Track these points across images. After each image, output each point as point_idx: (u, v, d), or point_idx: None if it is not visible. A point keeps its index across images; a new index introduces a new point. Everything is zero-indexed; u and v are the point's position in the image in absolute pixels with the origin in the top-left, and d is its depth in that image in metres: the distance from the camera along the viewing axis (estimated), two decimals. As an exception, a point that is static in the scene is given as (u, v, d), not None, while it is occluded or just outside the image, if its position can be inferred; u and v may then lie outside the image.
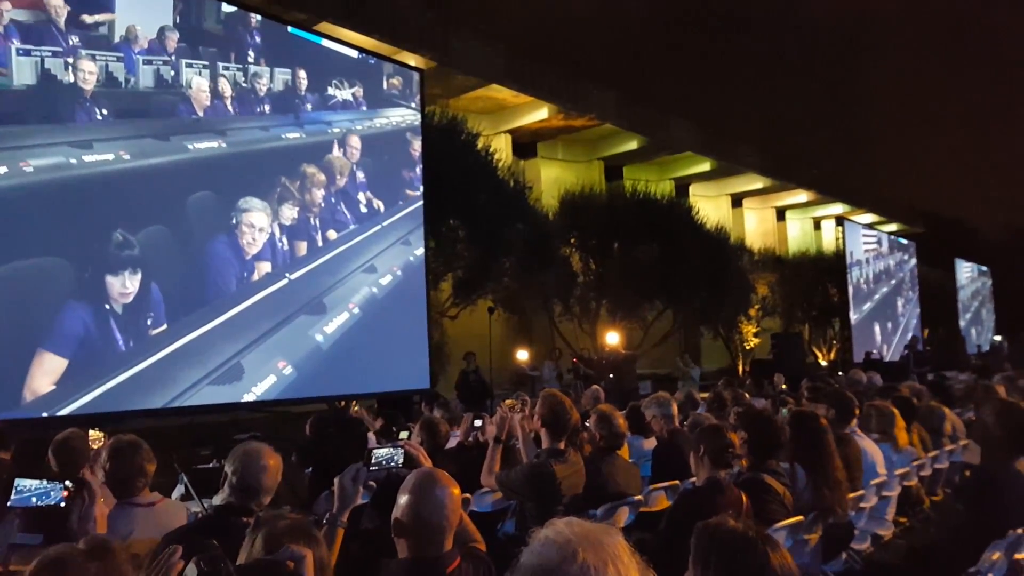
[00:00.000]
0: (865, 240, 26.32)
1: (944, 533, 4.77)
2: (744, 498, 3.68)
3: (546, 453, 4.38)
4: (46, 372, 6.48)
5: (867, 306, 25.28)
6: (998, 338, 32.93)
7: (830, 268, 25.89)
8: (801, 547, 3.89)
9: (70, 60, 7.00)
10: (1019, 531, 3.54)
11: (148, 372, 7.11)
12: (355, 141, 9.68)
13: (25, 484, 2.35)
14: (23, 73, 6.73)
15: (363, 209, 9.68)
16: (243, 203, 8.19)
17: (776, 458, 4.17)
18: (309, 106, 9.18)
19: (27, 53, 6.76)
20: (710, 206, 27.80)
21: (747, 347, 24.51)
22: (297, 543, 1.81)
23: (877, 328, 25.76)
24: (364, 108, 9.93)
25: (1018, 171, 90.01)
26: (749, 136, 39.17)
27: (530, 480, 4.27)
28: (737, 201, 32.47)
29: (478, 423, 5.92)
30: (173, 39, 7.82)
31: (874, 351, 22.67)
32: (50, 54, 6.90)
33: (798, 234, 35.49)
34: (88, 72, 7.10)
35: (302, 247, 8.78)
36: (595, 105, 22.99)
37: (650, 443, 6.01)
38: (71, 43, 7.04)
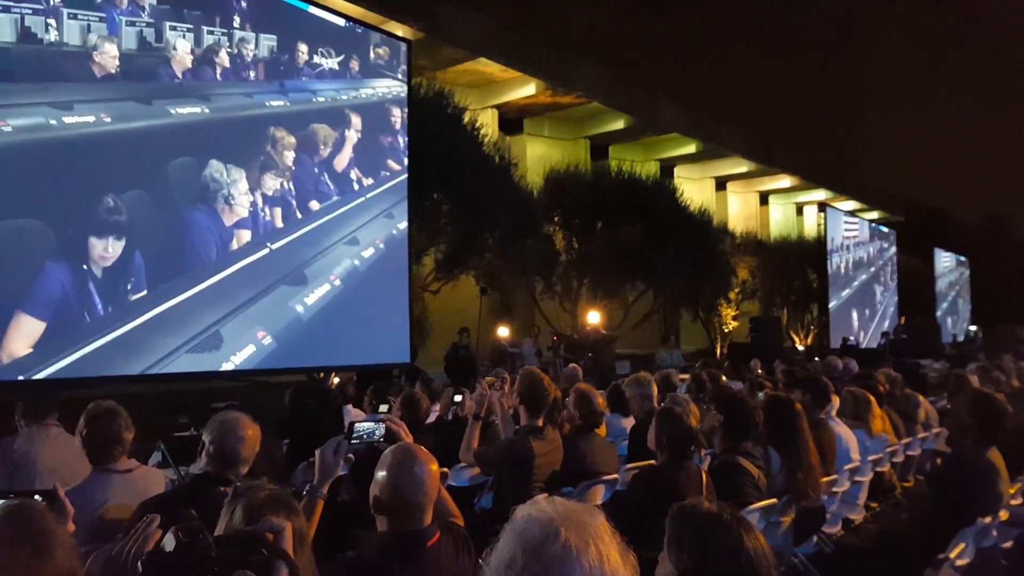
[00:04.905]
0: (846, 227, 26.48)
1: (914, 519, 4.85)
2: (704, 476, 3.73)
3: (524, 430, 4.41)
4: (23, 335, 6.41)
5: (846, 292, 25.48)
6: (973, 328, 33.35)
7: (811, 253, 26.03)
8: (774, 529, 3.94)
9: (51, 20, 6.87)
10: (988, 519, 3.61)
11: (126, 338, 7.05)
12: (340, 111, 9.58)
13: None
14: (2, 31, 6.58)
15: (346, 180, 9.60)
16: (225, 170, 8.09)
17: (751, 440, 4.22)
18: (294, 74, 9.07)
19: (6, 10, 6.61)
20: (694, 188, 27.85)
21: (726, 330, 24.67)
22: (277, 514, 1.80)
23: (855, 314, 26.00)
24: (350, 77, 9.82)
25: (999, 163, 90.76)
26: (735, 120, 39.25)
27: (508, 456, 4.30)
28: (721, 184, 32.53)
29: (458, 398, 5.95)
30: (157, 0, 7.68)
31: (851, 337, 22.89)
32: (31, 12, 6.75)
33: (780, 219, 35.64)
34: (69, 32, 6.97)
35: (284, 217, 8.71)
36: (583, 83, 22.87)
37: (629, 422, 6.06)
38: (52, 2, 6.90)
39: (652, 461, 4.84)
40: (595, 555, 1.28)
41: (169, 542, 1.41)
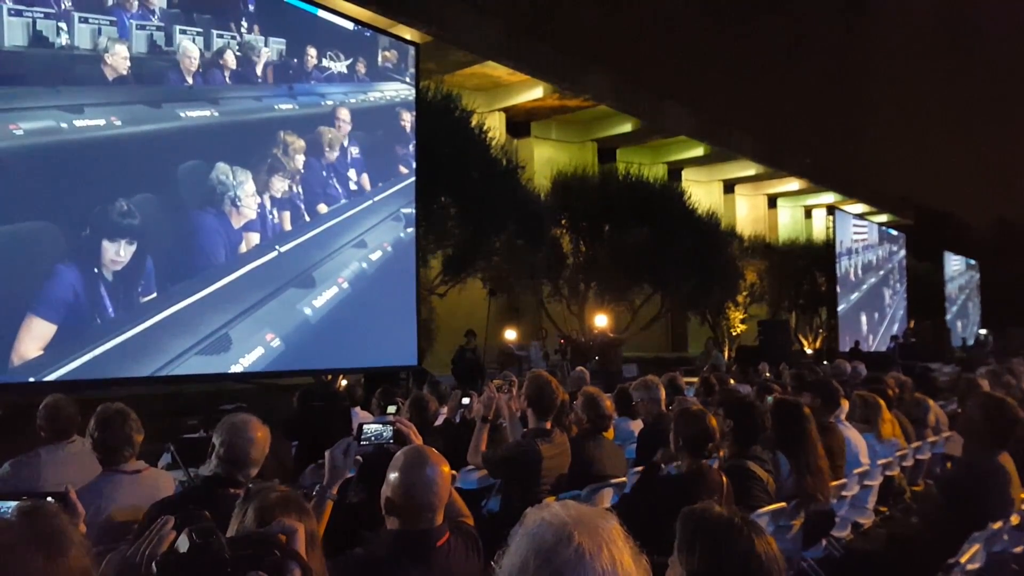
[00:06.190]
0: (855, 230, 26.39)
1: (924, 523, 4.83)
2: (725, 482, 3.71)
3: (532, 433, 4.41)
4: (35, 337, 6.44)
5: (854, 296, 25.39)
6: (983, 332, 33.21)
7: (819, 257, 25.98)
8: (783, 533, 3.93)
9: (62, 23, 6.90)
10: (998, 524, 3.60)
11: (136, 340, 7.07)
12: (348, 114, 9.59)
13: (6, 505, 2.23)
14: (14, 34, 6.62)
15: (354, 183, 9.62)
16: (233, 173, 8.12)
17: (760, 444, 4.21)
18: (303, 77, 9.09)
19: (18, 13, 6.65)
20: (702, 191, 27.81)
21: (734, 333, 24.61)
22: (289, 515, 1.81)
23: (864, 318, 25.91)
24: (358, 81, 9.84)
25: (1009, 166, 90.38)
26: (743, 123, 39.21)
27: (515, 459, 4.29)
28: (729, 187, 32.50)
29: (465, 401, 5.95)
30: (167, 4, 7.71)
31: (860, 341, 22.81)
32: (42, 15, 6.79)
33: (789, 222, 35.59)
34: (80, 35, 7.01)
35: (292, 220, 8.73)
36: (590, 86, 22.89)
37: (637, 425, 6.05)
38: (64, 6, 6.94)
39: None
40: (608, 559, 1.28)
41: (183, 543, 1.42)
